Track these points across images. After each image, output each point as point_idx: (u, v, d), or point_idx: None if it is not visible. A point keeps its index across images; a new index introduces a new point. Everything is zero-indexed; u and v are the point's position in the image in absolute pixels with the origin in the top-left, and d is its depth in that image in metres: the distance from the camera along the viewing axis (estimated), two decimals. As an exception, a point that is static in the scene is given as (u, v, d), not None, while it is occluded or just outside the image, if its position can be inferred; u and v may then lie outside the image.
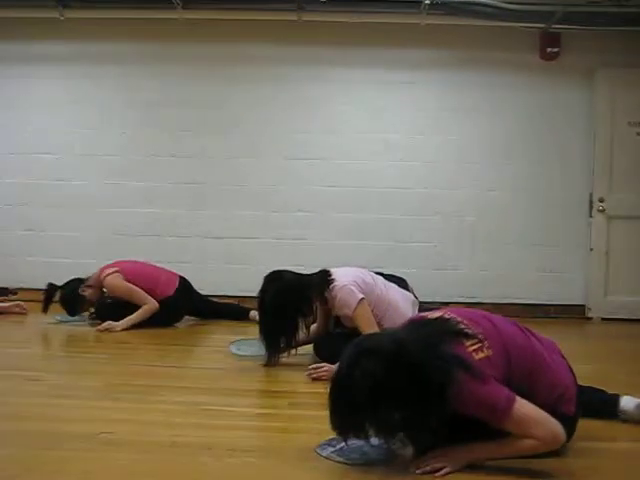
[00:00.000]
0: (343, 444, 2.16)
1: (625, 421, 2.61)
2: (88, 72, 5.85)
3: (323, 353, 3.57)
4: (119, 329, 4.48)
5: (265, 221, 5.81)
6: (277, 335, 3.43)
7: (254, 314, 5.03)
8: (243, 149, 5.85)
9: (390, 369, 1.95)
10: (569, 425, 2.19)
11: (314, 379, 3.23)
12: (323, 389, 3.13)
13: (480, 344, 2.09)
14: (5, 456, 2.18)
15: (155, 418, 2.62)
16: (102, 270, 4.75)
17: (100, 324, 4.55)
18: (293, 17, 5.57)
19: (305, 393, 3.09)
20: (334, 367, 3.21)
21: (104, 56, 5.86)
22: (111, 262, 4.83)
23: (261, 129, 5.85)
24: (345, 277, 3.49)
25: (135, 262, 4.90)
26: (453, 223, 5.80)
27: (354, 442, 2.13)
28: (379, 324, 3.40)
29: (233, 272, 5.75)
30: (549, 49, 5.70)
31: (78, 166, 5.88)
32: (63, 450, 2.23)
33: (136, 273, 4.75)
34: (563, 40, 5.70)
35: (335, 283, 3.45)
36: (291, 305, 3.40)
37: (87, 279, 4.76)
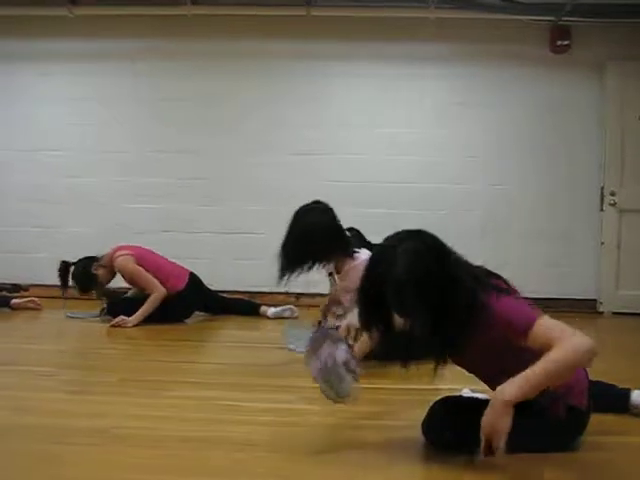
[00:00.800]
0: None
1: (637, 415, 2.59)
2: (98, 69, 5.87)
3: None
4: (131, 325, 4.49)
5: (274, 216, 5.77)
6: (292, 263, 3.39)
7: (264, 309, 5.06)
8: (252, 144, 5.85)
9: (431, 260, 1.99)
10: (581, 419, 2.19)
11: None
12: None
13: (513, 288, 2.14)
14: (18, 449, 2.20)
15: (166, 413, 2.64)
16: (116, 250, 4.74)
17: (112, 320, 4.57)
18: (302, 12, 5.56)
19: (316, 388, 3.08)
20: None
21: (113, 53, 5.88)
22: (129, 244, 4.84)
23: (270, 124, 5.85)
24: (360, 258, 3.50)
25: (149, 251, 4.88)
26: (461, 218, 5.78)
27: None
28: None
29: (243, 268, 5.76)
30: (559, 42, 5.67)
31: (88, 163, 5.91)
32: (75, 445, 2.25)
33: (149, 261, 4.74)
34: (573, 33, 5.67)
35: (360, 254, 3.46)
36: (316, 245, 3.39)
37: (101, 258, 4.77)
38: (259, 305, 5.14)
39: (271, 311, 5.06)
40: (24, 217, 5.92)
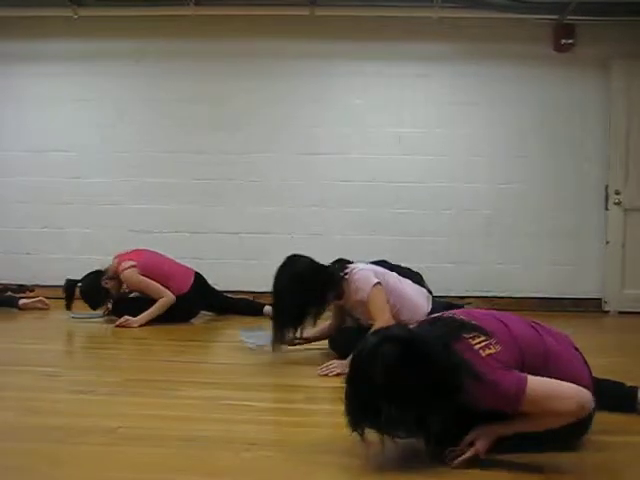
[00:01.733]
0: None
1: None
2: (102, 70, 5.88)
3: (339, 346, 3.58)
4: (137, 325, 4.50)
5: (280, 216, 5.82)
6: (285, 321, 3.38)
7: (268, 309, 5.05)
8: (258, 145, 5.85)
9: (408, 357, 1.97)
10: (586, 419, 2.18)
11: (324, 375, 3.24)
12: (339, 383, 3.14)
13: (487, 341, 2.08)
14: (28, 449, 2.20)
15: (173, 413, 2.64)
16: (119, 262, 4.73)
17: (117, 320, 4.58)
18: (306, 12, 5.57)
19: (322, 387, 3.10)
20: (344, 362, 3.24)
21: (118, 54, 5.89)
22: (130, 250, 4.84)
23: (275, 124, 5.85)
24: (361, 265, 3.51)
25: (153, 254, 4.89)
26: (468, 217, 5.77)
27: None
28: (396, 316, 3.40)
29: (248, 268, 5.77)
30: (563, 41, 5.65)
31: (94, 163, 5.92)
32: (81, 444, 2.25)
33: (152, 267, 4.74)
34: (577, 31, 5.66)
35: (352, 267, 3.46)
36: (303, 293, 3.33)
37: (105, 271, 4.77)
38: (264, 305, 5.14)
39: (275, 311, 5.06)
40: (30, 218, 5.94)
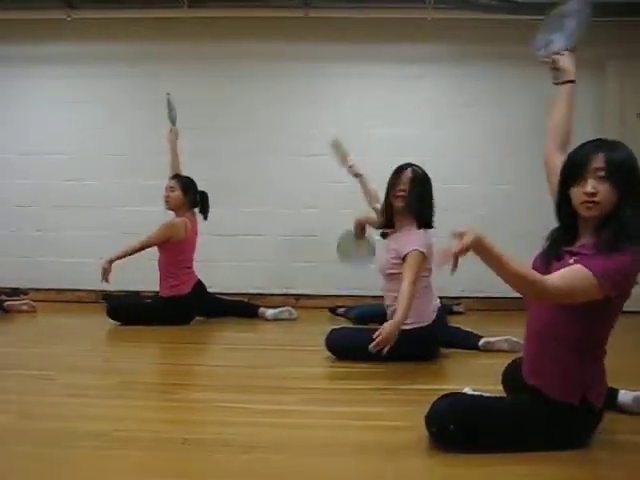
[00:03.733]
0: None
1: (625, 413, 2.61)
2: (97, 72, 5.86)
3: (335, 345, 3.60)
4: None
5: (275, 218, 5.80)
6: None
7: (263, 311, 5.06)
8: (254, 146, 5.84)
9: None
10: (594, 416, 2.24)
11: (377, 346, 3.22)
12: (336, 385, 3.15)
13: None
14: (23, 453, 2.20)
15: (168, 416, 2.63)
16: (193, 216, 5.02)
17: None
18: (300, 14, 5.56)
19: (318, 389, 3.09)
20: (391, 327, 3.23)
21: (112, 56, 5.87)
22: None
23: (271, 126, 5.84)
24: (425, 233, 3.84)
25: (195, 242, 5.02)
26: (463, 217, 5.72)
27: None
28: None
29: (243, 270, 5.75)
30: (558, 41, 5.66)
31: (88, 166, 5.90)
32: (76, 447, 2.24)
33: (190, 244, 4.93)
34: (572, 32, 5.66)
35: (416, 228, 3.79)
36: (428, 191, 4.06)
37: (187, 196, 5.02)
38: (257, 307, 5.14)
39: (269, 312, 5.06)
40: (24, 220, 5.91)
